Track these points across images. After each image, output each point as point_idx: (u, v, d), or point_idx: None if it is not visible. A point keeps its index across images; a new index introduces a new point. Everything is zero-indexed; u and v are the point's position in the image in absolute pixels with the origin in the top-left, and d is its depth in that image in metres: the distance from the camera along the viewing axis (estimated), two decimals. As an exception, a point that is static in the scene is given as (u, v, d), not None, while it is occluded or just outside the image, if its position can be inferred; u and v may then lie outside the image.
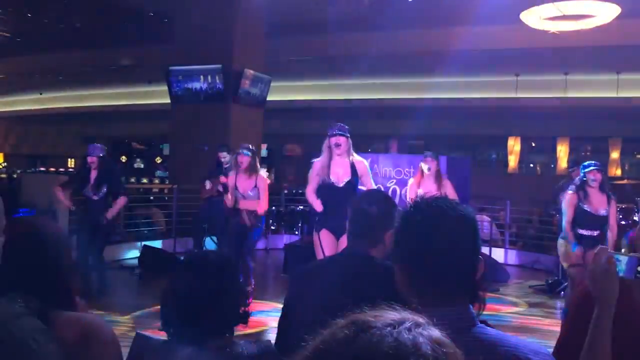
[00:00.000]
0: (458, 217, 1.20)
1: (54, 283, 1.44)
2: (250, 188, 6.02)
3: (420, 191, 6.12)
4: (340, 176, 4.98)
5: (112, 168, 6.50)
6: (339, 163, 4.99)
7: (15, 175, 15.00)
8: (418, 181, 6.39)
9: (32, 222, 1.56)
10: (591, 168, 5.37)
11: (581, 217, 5.41)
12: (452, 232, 1.18)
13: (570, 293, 5.46)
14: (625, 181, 15.18)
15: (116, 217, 6.67)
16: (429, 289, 1.17)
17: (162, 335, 1.62)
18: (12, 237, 1.43)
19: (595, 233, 5.41)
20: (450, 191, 6.20)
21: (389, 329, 0.65)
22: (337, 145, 4.94)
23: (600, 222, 5.41)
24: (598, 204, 5.40)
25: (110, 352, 1.43)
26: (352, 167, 4.99)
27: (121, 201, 6.31)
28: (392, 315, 0.68)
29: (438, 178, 6.31)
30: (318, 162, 5.07)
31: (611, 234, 5.45)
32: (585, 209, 5.38)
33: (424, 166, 6.32)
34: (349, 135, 5.04)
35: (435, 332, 0.68)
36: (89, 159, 6.18)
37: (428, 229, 1.18)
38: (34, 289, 1.33)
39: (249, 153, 5.99)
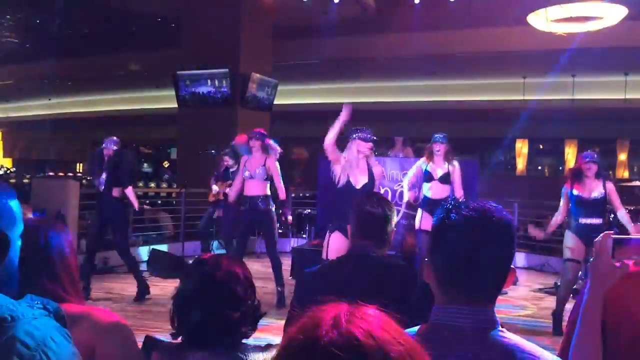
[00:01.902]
0: (495, 223, 1.18)
1: (61, 280, 1.47)
2: (258, 166, 6.15)
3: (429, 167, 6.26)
4: (358, 179, 5.03)
5: (121, 160, 6.57)
6: (360, 166, 5.05)
7: (25, 180, 15.10)
8: (426, 162, 6.41)
9: (31, 225, 1.58)
10: (587, 160, 5.60)
11: (577, 205, 5.51)
12: (487, 238, 1.16)
13: (563, 290, 5.51)
14: (633, 183, 15.09)
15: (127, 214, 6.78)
16: (456, 290, 1.17)
17: (172, 338, 1.62)
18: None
19: (597, 221, 5.46)
20: (457, 176, 6.26)
21: (334, 331, 0.66)
22: (370, 149, 5.05)
23: (598, 208, 5.51)
24: (591, 189, 5.55)
25: (124, 341, 1.45)
26: (370, 170, 5.04)
27: (128, 192, 6.38)
28: (332, 311, 0.70)
29: (447, 158, 6.35)
30: (343, 159, 5.13)
31: (622, 214, 5.56)
32: (576, 193, 5.51)
33: (434, 148, 6.36)
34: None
35: (376, 318, 0.69)
36: (105, 152, 6.32)
37: (462, 231, 1.16)
38: (43, 288, 1.36)
39: (260, 137, 6.21)
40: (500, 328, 1.16)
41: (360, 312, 0.69)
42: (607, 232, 1.37)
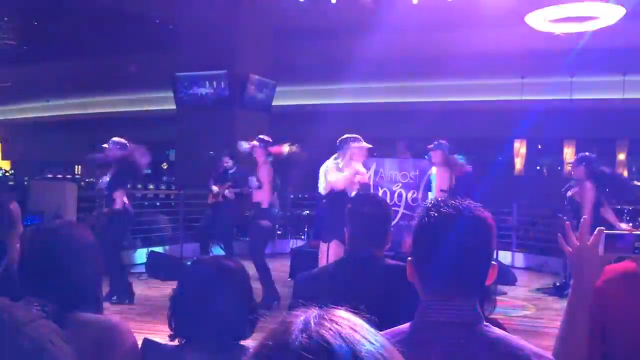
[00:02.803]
0: (473, 220, 1.21)
1: (77, 286, 1.46)
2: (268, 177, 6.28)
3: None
4: (351, 186, 5.04)
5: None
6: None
7: (24, 182, 15.08)
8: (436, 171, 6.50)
9: (51, 228, 1.57)
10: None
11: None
12: (465, 234, 1.20)
13: None
14: (632, 183, 15.10)
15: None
16: (439, 286, 1.20)
17: (171, 341, 1.61)
18: (32, 244, 1.45)
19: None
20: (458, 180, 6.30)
21: (303, 335, 0.66)
22: (364, 157, 5.09)
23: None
24: None
25: (126, 351, 1.44)
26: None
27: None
28: (301, 316, 0.69)
29: (448, 165, 6.39)
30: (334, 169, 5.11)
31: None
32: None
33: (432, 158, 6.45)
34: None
35: (346, 322, 0.69)
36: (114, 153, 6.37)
37: (441, 229, 1.20)
38: (55, 292, 1.35)
39: (263, 144, 6.29)
40: (484, 323, 1.18)
41: (330, 315, 0.69)
42: (600, 227, 1.38)
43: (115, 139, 6.48)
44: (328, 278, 2.03)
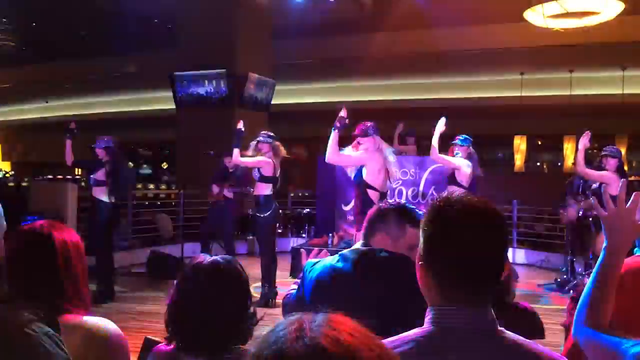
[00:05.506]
0: (490, 217, 1.15)
1: (63, 286, 1.45)
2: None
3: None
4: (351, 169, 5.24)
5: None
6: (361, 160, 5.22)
7: (23, 184, 15.08)
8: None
9: (37, 227, 1.55)
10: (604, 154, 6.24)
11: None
12: (483, 232, 1.13)
13: None
14: (632, 178, 15.10)
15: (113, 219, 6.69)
16: (453, 289, 1.13)
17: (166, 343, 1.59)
18: (20, 244, 1.43)
19: None
20: (463, 172, 6.32)
21: (299, 342, 0.64)
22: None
23: None
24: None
25: (116, 354, 1.43)
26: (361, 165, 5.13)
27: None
28: (295, 323, 0.67)
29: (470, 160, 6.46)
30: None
31: None
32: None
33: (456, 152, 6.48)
34: (366, 134, 5.20)
35: (337, 327, 0.66)
36: (97, 151, 6.54)
37: (461, 229, 1.12)
38: (42, 294, 1.33)
39: (269, 140, 6.38)
40: (499, 327, 1.14)
41: (325, 320, 0.66)
42: (638, 192, 1.36)
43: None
44: (335, 270, 1.98)
